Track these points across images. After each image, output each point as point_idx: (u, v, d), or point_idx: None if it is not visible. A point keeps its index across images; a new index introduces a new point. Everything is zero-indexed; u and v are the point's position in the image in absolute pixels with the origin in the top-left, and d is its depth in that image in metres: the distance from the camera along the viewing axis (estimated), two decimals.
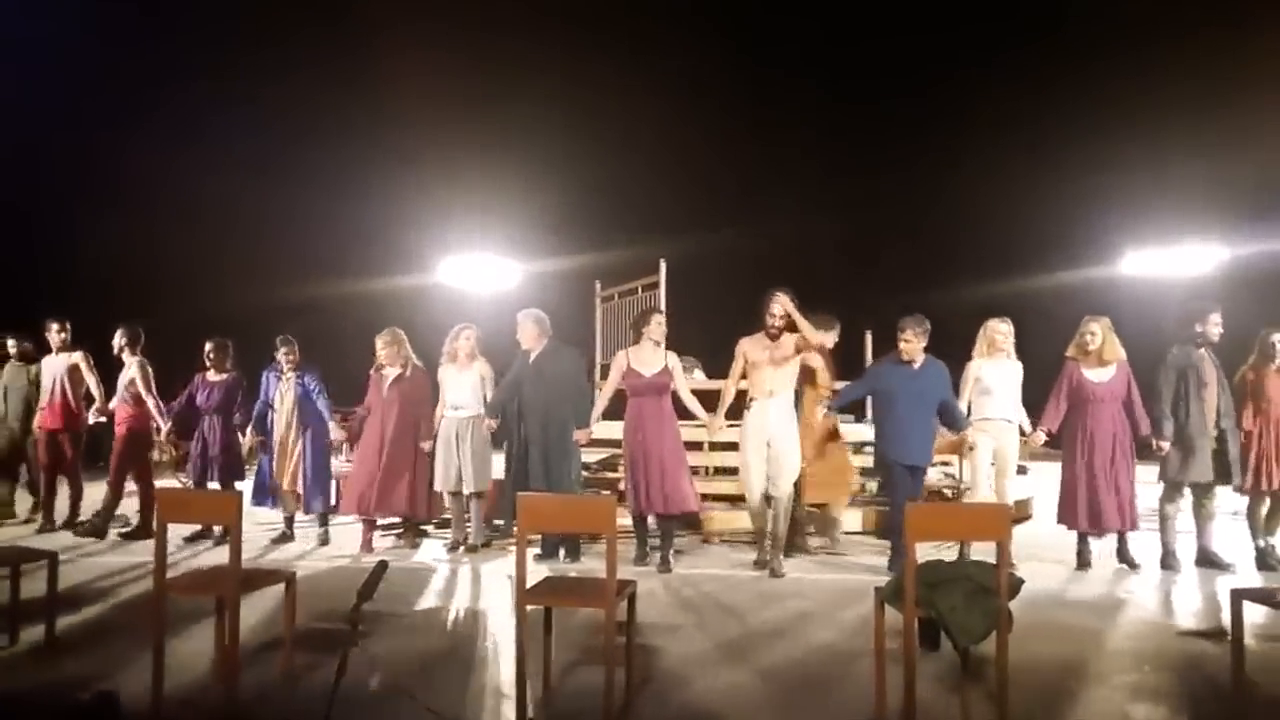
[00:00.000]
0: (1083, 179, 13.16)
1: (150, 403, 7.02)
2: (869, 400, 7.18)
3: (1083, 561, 5.95)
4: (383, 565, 3.29)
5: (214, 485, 6.83)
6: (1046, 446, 6.40)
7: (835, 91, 14.22)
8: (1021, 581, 3.66)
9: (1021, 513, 7.70)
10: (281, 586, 3.81)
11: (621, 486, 7.58)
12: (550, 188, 13.89)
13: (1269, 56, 11.12)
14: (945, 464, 8.15)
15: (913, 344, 5.78)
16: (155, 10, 12.49)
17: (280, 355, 6.76)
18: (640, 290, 9.29)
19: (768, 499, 5.84)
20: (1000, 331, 6.14)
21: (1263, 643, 4.11)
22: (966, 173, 13.42)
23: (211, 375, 6.95)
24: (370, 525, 6.62)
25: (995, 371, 6.11)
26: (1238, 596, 3.50)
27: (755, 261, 14.27)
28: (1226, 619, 3.55)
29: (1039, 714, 3.39)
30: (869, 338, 9.68)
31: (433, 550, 6.58)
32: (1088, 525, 5.88)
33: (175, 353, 7.24)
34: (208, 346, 6.95)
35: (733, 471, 7.53)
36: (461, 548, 6.46)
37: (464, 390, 6.51)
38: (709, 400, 6.22)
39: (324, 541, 6.69)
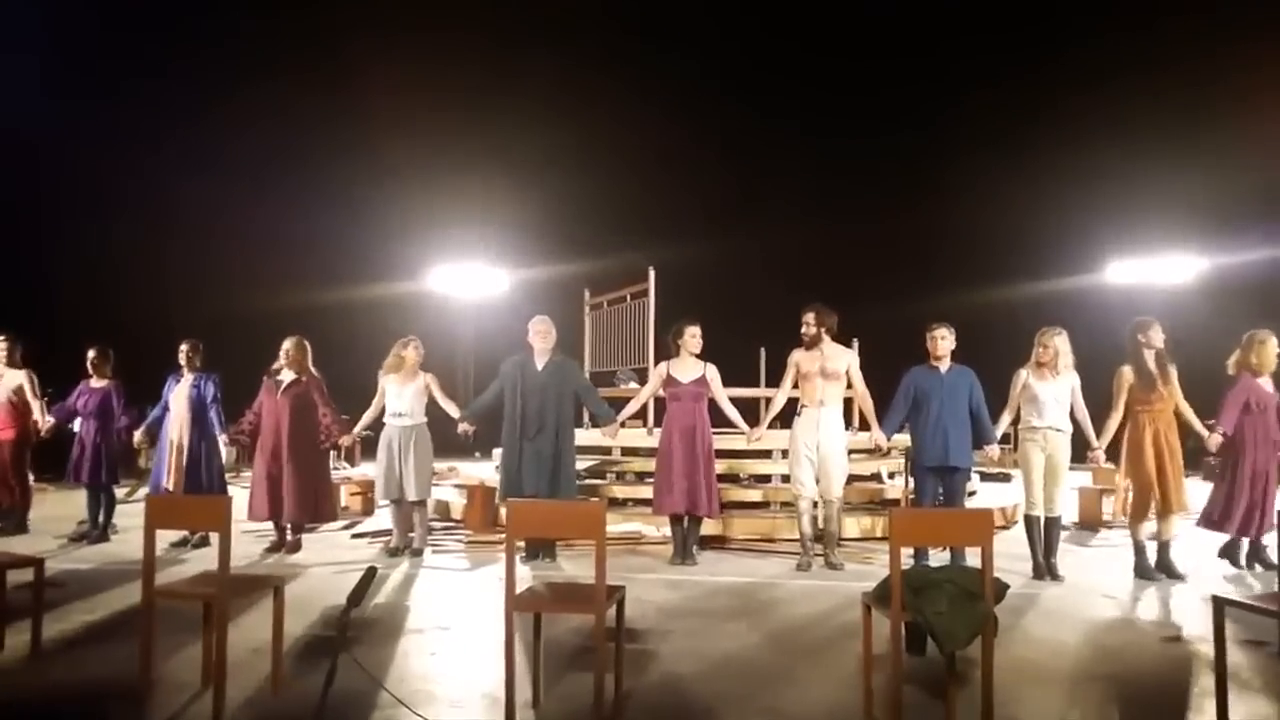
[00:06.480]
0: (1069, 192, 13.33)
1: (36, 406, 7.36)
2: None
3: (1235, 561, 6.18)
4: (372, 571, 3.29)
5: (86, 486, 7.08)
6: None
7: (825, 103, 14.34)
8: (1006, 587, 3.70)
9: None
10: (270, 593, 3.80)
11: (616, 492, 7.60)
12: (539, 196, 13.93)
13: (1248, 76, 11.34)
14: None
15: (948, 341, 6.00)
16: (158, 40, 12.59)
17: (181, 357, 6.87)
18: (629, 298, 9.31)
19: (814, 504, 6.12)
20: (1043, 344, 6.01)
21: (1245, 649, 4.15)
22: (956, 185, 13.55)
23: (94, 382, 7.14)
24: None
25: (1043, 382, 5.99)
26: (1220, 604, 3.54)
27: (743, 270, 14.37)
28: (1208, 626, 3.58)
29: (1023, 718, 3.43)
30: (855, 345, 9.74)
31: (423, 557, 6.56)
32: (1241, 530, 6.05)
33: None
34: (90, 354, 7.13)
35: (733, 479, 7.56)
36: (406, 552, 6.52)
37: (407, 399, 6.60)
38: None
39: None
